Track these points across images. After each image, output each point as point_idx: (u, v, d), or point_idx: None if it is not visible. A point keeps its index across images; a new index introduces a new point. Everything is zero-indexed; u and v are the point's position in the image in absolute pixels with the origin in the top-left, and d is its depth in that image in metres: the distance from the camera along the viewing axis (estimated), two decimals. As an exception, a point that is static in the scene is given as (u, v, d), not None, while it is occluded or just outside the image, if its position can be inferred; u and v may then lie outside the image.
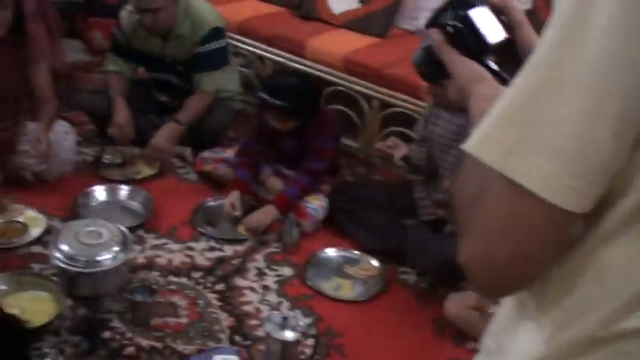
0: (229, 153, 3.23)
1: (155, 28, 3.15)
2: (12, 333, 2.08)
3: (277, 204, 2.92)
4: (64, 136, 3.08)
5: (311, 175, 2.97)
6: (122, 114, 3.22)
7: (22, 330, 2.10)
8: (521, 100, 0.69)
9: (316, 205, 2.95)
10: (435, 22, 1.05)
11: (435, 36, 1.03)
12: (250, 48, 3.87)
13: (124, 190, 3.08)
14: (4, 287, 2.38)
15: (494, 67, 1.01)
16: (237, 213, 2.91)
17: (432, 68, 1.09)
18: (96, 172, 3.24)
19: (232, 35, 3.80)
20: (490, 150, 0.70)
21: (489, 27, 1.04)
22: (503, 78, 1.00)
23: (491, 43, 1.02)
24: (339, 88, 3.57)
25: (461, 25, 1.02)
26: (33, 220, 2.81)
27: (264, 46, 3.83)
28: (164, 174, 3.27)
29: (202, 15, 3.21)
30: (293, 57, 3.73)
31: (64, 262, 2.37)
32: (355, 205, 2.91)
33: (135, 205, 3.04)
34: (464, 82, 0.98)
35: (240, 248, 2.83)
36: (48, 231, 2.76)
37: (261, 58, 3.87)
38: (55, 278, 2.43)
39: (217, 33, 3.25)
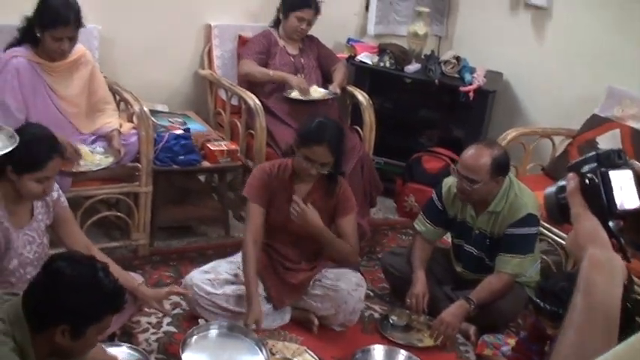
0: (510, 346, 3.08)
1: (471, 198, 3.22)
2: None
3: None
4: (355, 287, 3.20)
5: None
6: (420, 287, 3.29)
7: None
8: None
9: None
10: (577, 167, 1.06)
11: (571, 181, 1.04)
12: (556, 237, 3.75)
13: (402, 356, 3.09)
14: None
15: (615, 232, 1.01)
16: None
17: (558, 209, 1.09)
18: (379, 330, 3.30)
19: (542, 223, 3.72)
20: None
21: (626, 192, 1.03)
22: (621, 244, 1.01)
23: (620, 209, 1.02)
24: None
25: (597, 181, 1.02)
26: (308, 364, 2.92)
27: (570, 239, 3.69)
28: (445, 348, 3.23)
29: (521, 199, 3.22)
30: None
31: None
32: None
33: (409, 372, 3.02)
34: (583, 237, 1.01)
35: None
36: (319, 378, 2.86)
37: (565, 249, 3.73)
38: None
39: (531, 219, 3.22)
